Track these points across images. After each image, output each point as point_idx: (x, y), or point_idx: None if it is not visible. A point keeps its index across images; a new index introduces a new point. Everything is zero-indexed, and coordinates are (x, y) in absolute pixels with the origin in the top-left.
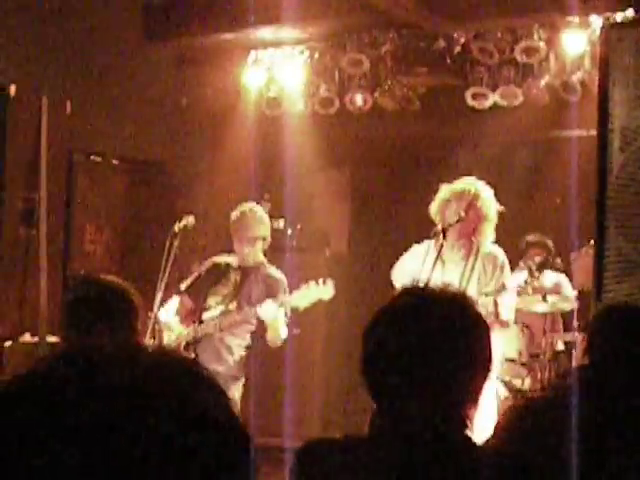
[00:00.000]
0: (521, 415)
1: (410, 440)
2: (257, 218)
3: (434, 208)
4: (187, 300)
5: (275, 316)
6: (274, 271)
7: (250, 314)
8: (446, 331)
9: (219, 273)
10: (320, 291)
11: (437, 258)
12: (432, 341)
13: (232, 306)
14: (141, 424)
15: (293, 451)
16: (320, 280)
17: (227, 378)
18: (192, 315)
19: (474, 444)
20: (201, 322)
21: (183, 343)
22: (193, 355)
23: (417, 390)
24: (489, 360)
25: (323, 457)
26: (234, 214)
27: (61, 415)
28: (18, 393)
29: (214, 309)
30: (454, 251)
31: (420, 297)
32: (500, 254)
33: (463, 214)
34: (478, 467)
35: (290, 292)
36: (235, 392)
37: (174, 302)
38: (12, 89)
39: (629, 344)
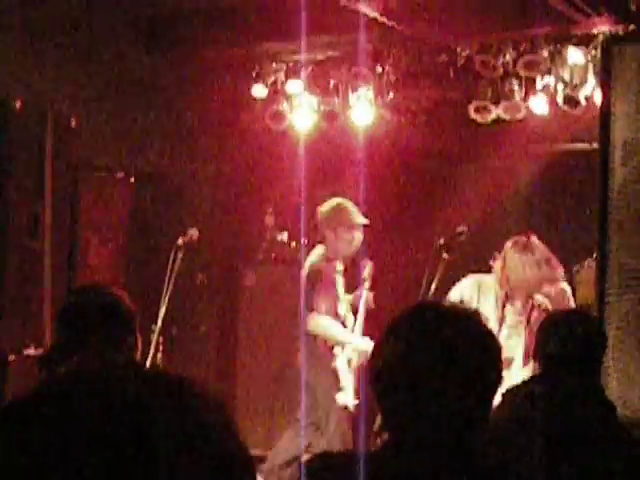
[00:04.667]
0: None
1: (416, 457)
2: None
3: None
4: None
5: None
6: None
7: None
8: (459, 348)
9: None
10: None
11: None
12: (444, 358)
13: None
14: (147, 442)
15: (302, 464)
16: None
17: None
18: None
19: (486, 462)
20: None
21: None
22: None
23: (426, 408)
24: (499, 379)
25: (331, 471)
26: (333, 207)
27: (71, 431)
28: (28, 410)
29: (350, 318)
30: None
31: (432, 313)
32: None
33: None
34: None
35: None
36: None
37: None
38: (17, 103)
39: (571, 350)
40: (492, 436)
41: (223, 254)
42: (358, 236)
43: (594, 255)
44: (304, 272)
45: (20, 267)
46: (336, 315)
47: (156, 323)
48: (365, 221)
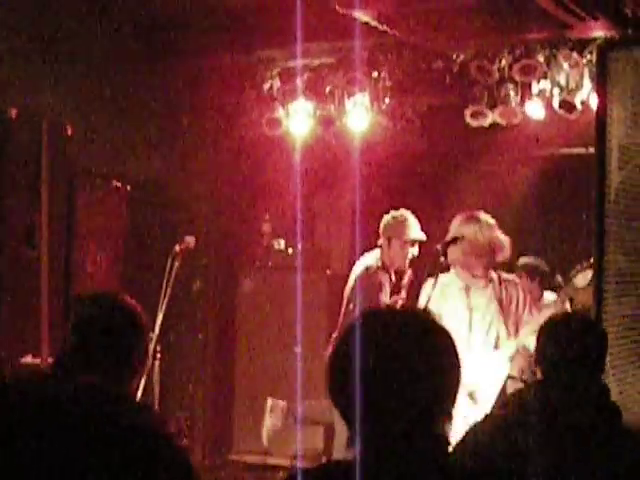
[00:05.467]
0: (477, 432)
1: (388, 463)
2: None
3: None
4: None
5: None
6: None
7: None
8: (412, 349)
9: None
10: None
11: (435, 286)
12: (399, 361)
13: None
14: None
15: None
16: None
17: None
18: None
19: (452, 462)
20: None
21: None
22: None
23: (389, 413)
24: (457, 375)
25: None
26: (393, 217)
27: None
28: None
29: None
30: (475, 282)
31: (378, 320)
32: (519, 287)
33: (462, 257)
34: None
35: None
36: None
37: None
38: (13, 112)
39: (572, 353)
40: (496, 441)
41: (220, 261)
42: (411, 250)
43: (591, 259)
44: (356, 272)
45: (17, 276)
46: None
47: (153, 331)
48: (421, 237)
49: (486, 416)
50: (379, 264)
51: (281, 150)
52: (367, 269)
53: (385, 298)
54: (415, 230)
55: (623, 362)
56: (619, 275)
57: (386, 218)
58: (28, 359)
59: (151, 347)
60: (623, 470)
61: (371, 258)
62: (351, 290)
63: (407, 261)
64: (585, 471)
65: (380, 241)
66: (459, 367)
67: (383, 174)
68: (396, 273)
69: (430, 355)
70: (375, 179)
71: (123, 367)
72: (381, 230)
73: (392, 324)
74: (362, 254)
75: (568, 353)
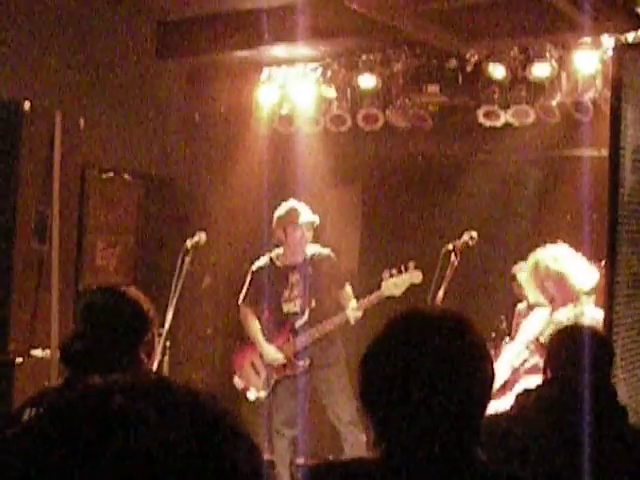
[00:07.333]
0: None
1: (415, 469)
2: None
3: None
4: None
5: None
6: (329, 253)
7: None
8: (447, 356)
9: (268, 277)
10: (410, 277)
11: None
12: (433, 367)
13: (312, 304)
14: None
15: (303, 474)
16: (403, 267)
17: (337, 365)
18: (278, 326)
19: (485, 470)
20: (296, 332)
21: (291, 354)
22: (308, 361)
23: (419, 419)
24: (491, 384)
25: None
26: (283, 208)
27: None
28: (39, 431)
29: (301, 315)
30: None
31: (418, 321)
32: None
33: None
34: None
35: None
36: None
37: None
38: (26, 105)
39: (581, 363)
40: (506, 441)
41: (230, 257)
42: (307, 234)
43: (603, 261)
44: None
45: (27, 269)
46: (280, 311)
47: (163, 326)
48: (312, 219)
49: (495, 415)
50: (271, 259)
51: (293, 147)
52: (253, 266)
53: (295, 289)
54: (307, 214)
55: (633, 363)
56: (631, 277)
57: (277, 212)
58: (38, 352)
59: (160, 342)
60: (631, 472)
61: (264, 257)
62: (245, 291)
63: (304, 245)
64: (593, 472)
65: (277, 235)
66: (492, 368)
67: (394, 172)
68: (294, 267)
69: (464, 357)
70: (386, 177)
71: (129, 357)
72: (275, 224)
73: (429, 330)
74: (371, 252)
75: (578, 363)
